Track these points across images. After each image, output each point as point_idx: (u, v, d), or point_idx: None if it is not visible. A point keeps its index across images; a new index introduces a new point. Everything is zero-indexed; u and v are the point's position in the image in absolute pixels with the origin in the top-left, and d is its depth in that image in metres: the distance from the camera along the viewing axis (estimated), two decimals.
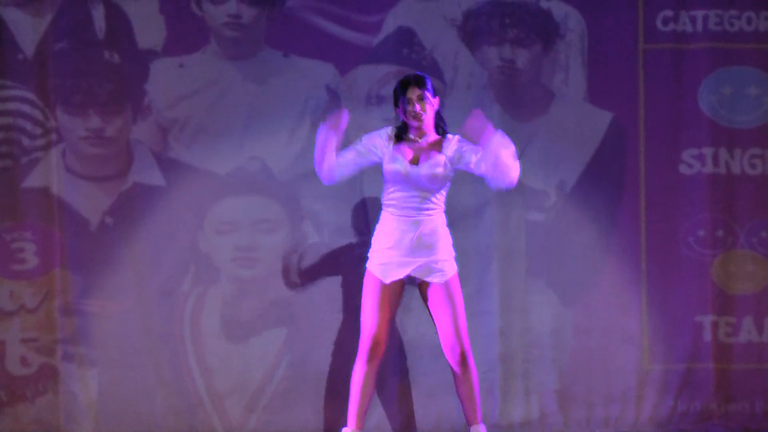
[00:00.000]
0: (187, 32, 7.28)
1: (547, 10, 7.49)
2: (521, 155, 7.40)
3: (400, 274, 6.18)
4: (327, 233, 7.29)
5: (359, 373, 6.17)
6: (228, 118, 7.30)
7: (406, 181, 6.17)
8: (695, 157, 7.55)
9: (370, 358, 6.15)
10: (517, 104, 7.47)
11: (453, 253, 6.30)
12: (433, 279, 6.19)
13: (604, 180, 7.53)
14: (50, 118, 7.18)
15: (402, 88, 6.21)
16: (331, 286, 7.27)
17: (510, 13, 7.46)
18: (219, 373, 7.29)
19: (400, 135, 6.27)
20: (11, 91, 7.14)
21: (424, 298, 6.28)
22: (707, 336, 7.54)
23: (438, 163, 6.18)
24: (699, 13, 7.53)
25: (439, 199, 6.26)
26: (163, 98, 7.26)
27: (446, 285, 6.20)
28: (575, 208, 7.51)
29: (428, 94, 6.20)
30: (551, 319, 7.49)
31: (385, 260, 6.18)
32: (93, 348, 7.22)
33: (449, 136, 6.30)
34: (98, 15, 7.21)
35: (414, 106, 6.17)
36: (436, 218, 6.24)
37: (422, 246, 6.17)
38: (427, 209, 6.20)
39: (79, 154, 7.22)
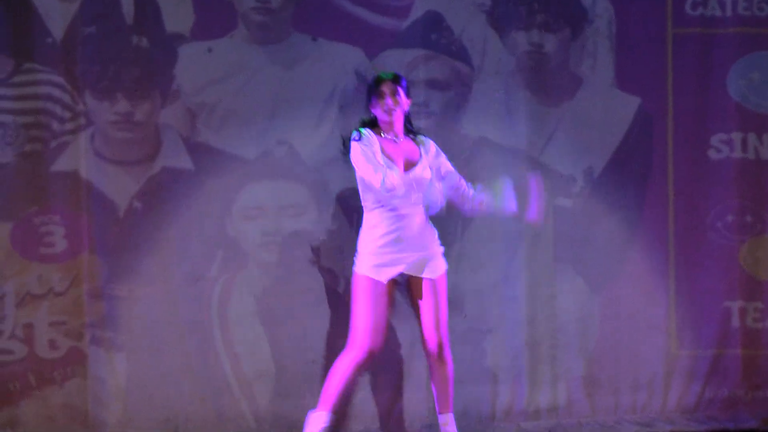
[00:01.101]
0: (215, 17, 7.28)
1: None
2: (549, 141, 7.46)
3: (395, 271, 6.24)
4: (356, 218, 7.27)
5: (347, 375, 6.19)
6: (256, 103, 7.29)
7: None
8: (724, 142, 7.53)
9: (364, 364, 6.20)
10: (545, 89, 7.46)
11: (442, 249, 6.39)
12: (425, 274, 6.27)
13: (632, 165, 7.52)
14: (79, 103, 7.18)
15: (376, 83, 6.30)
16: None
17: None
18: (247, 359, 7.29)
19: (373, 129, 6.31)
20: (40, 75, 7.14)
21: (410, 291, 6.34)
22: (735, 322, 7.53)
23: (425, 169, 6.31)
24: None
25: (421, 196, 6.33)
26: (192, 83, 7.26)
27: (436, 280, 6.31)
28: (603, 194, 7.50)
29: (401, 92, 6.29)
30: (578, 305, 7.48)
31: (379, 260, 6.22)
32: (121, 332, 7.22)
33: (421, 138, 6.41)
34: (127, 0, 7.22)
35: (386, 99, 6.25)
36: (422, 215, 6.32)
37: (414, 244, 6.24)
38: (415, 208, 6.27)
39: (107, 139, 7.22)
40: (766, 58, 7.54)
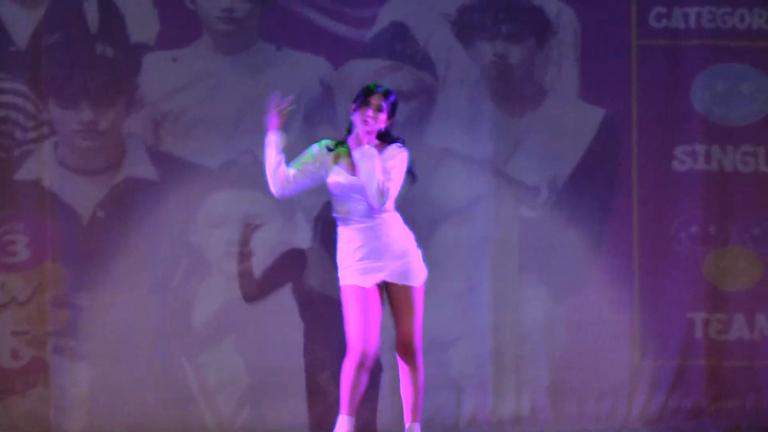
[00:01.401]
0: (180, 26, 7.28)
1: (539, 6, 7.49)
2: (514, 151, 7.47)
3: (377, 278, 6.28)
4: (320, 227, 7.28)
5: (351, 378, 6.25)
6: (220, 112, 7.29)
7: (350, 191, 6.25)
8: (688, 153, 7.55)
9: (360, 367, 6.24)
10: (510, 100, 7.47)
11: (420, 253, 6.40)
12: (403, 281, 6.32)
13: (597, 176, 7.53)
14: (43, 111, 7.17)
15: (365, 92, 6.31)
16: (324, 280, 7.27)
17: (503, 9, 7.46)
18: (210, 368, 7.28)
19: (344, 141, 6.37)
20: (4, 84, 7.13)
21: (389, 297, 6.37)
22: (699, 333, 7.54)
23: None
24: (692, 10, 7.54)
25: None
26: (156, 92, 7.25)
27: (414, 288, 6.34)
28: (567, 204, 7.51)
29: (386, 108, 6.30)
30: (543, 314, 7.49)
31: (359, 270, 6.26)
32: (84, 341, 7.21)
33: (392, 145, 6.39)
34: (91, 8, 7.20)
35: (368, 110, 6.26)
36: (391, 220, 6.33)
37: (390, 251, 6.29)
38: (378, 214, 6.28)
39: (71, 147, 7.21)
40: (730, 70, 7.57)
